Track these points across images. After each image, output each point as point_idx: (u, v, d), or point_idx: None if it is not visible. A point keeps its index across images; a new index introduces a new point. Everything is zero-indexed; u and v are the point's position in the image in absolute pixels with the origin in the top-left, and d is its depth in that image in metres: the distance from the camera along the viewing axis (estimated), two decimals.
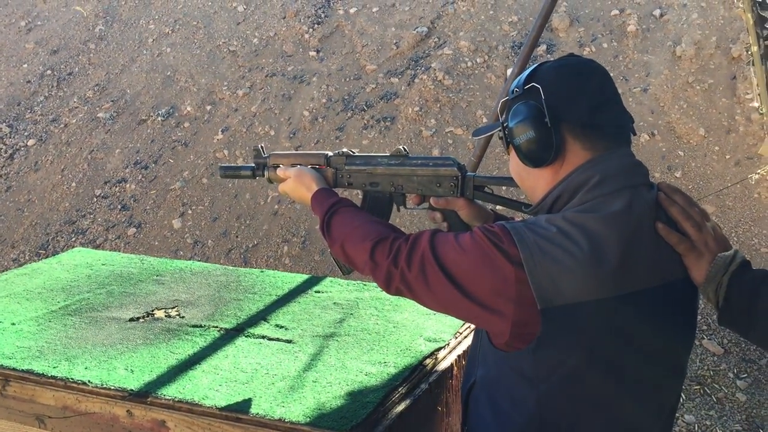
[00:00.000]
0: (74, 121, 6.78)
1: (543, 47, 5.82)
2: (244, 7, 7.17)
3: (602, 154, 1.25)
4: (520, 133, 1.28)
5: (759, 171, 4.75)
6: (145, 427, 1.57)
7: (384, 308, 2.06)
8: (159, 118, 6.48)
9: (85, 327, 1.95)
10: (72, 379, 1.65)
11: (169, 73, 6.84)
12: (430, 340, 1.83)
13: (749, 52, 4.37)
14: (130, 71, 7.03)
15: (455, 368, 1.77)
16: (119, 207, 5.96)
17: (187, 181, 5.95)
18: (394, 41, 6.30)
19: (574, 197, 1.25)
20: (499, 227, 1.22)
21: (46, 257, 4.58)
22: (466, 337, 1.89)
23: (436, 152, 5.41)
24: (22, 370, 1.70)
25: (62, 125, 6.78)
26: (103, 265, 2.49)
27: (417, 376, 1.66)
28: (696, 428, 3.53)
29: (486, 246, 1.20)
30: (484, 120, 5.35)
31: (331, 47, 6.51)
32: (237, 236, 5.48)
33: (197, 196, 5.83)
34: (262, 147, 1.82)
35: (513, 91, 1.33)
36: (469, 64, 5.94)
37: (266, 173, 1.80)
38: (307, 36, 6.65)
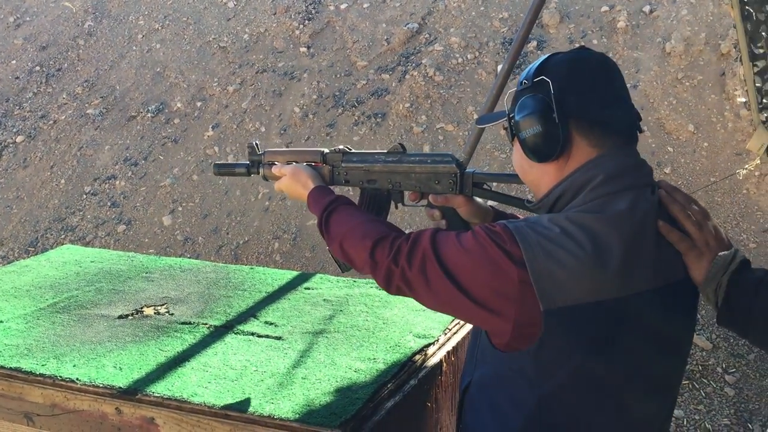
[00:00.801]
0: (63, 117, 6.74)
1: (533, 43, 5.83)
2: (234, 3, 7.15)
3: (607, 152, 1.24)
4: (527, 126, 1.26)
5: (747, 166, 4.78)
6: (134, 425, 1.57)
7: (373, 305, 2.06)
8: (149, 115, 6.46)
9: (74, 324, 1.95)
10: (60, 376, 1.64)
11: (158, 69, 6.81)
12: (420, 337, 1.84)
13: (737, 49, 4.39)
14: (119, 67, 7.00)
15: (444, 364, 1.77)
16: (109, 204, 5.94)
17: (177, 177, 5.93)
18: (385, 37, 6.30)
19: (578, 196, 1.24)
20: (501, 227, 1.21)
21: (35, 254, 4.56)
22: (455, 333, 1.89)
23: (426, 149, 5.41)
24: (10, 368, 1.69)
25: (51, 122, 6.75)
26: (91, 262, 2.48)
27: (406, 372, 1.67)
28: (685, 423, 3.55)
29: (488, 246, 1.19)
30: (475, 116, 5.35)
31: (321, 43, 6.49)
32: (227, 233, 5.46)
33: (187, 193, 5.81)
34: (256, 144, 1.80)
35: (522, 82, 1.30)
36: (460, 60, 5.94)
37: (261, 170, 1.77)
38: (297, 32, 6.63)
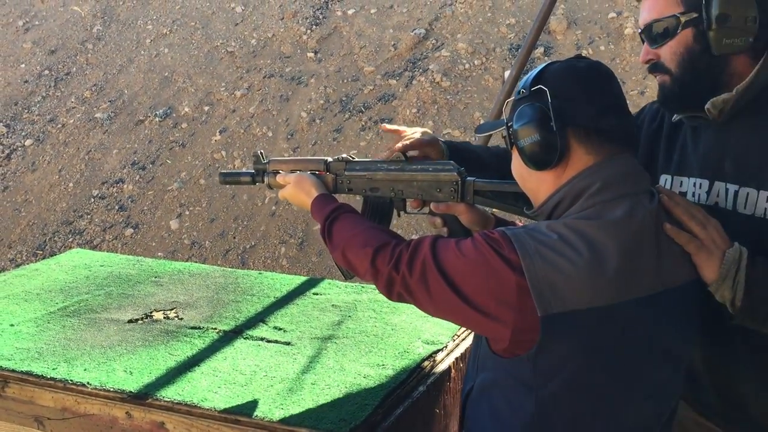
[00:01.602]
0: (72, 121, 6.78)
1: (540, 50, 5.84)
2: (242, 8, 7.18)
3: (605, 160, 1.25)
4: (525, 135, 1.27)
5: None
6: (144, 429, 1.57)
7: (382, 311, 2.07)
8: (156, 119, 6.49)
9: (84, 328, 1.96)
10: (71, 380, 1.65)
11: (166, 73, 6.84)
12: (428, 343, 1.84)
13: None
14: (127, 72, 7.03)
15: (453, 371, 1.77)
16: (116, 207, 5.96)
17: (184, 182, 5.95)
18: (392, 43, 6.31)
19: (576, 203, 1.25)
20: (499, 233, 1.22)
21: (43, 258, 4.58)
22: (464, 339, 1.90)
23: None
24: (21, 371, 1.70)
25: (60, 125, 6.78)
26: (101, 266, 2.50)
27: (415, 378, 1.67)
28: None
29: (487, 253, 1.20)
30: (482, 122, 5.36)
31: (329, 48, 6.52)
32: (234, 237, 5.48)
33: (195, 197, 5.83)
34: (261, 153, 1.82)
35: (519, 91, 1.32)
36: (467, 66, 5.95)
37: (266, 179, 1.80)
38: (305, 37, 6.65)
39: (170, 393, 1.59)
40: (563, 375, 1.20)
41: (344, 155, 1.71)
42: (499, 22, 6.20)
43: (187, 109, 6.46)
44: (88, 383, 1.64)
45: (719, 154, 1.38)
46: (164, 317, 2.04)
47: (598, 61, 1.33)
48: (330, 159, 1.72)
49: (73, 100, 6.98)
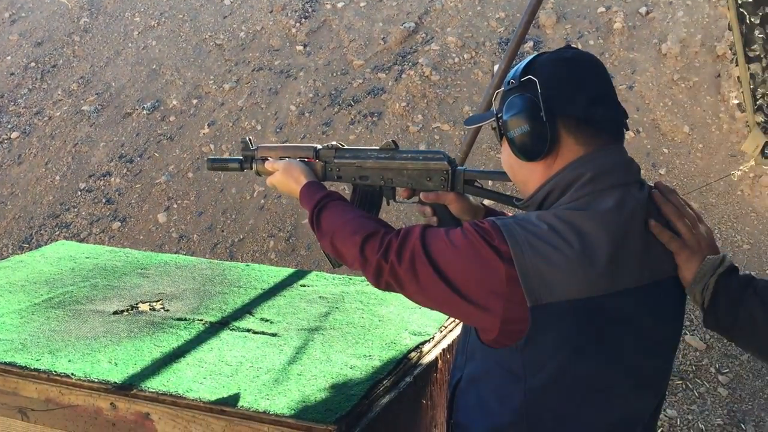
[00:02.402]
0: (58, 114, 6.72)
1: (530, 44, 5.84)
2: (231, 0, 7.14)
3: (595, 151, 1.25)
4: (515, 126, 1.27)
5: (742, 168, 4.80)
6: (128, 420, 1.56)
7: (369, 302, 2.06)
8: (144, 112, 6.44)
9: (69, 320, 1.94)
10: (55, 371, 1.64)
11: (154, 66, 6.79)
12: (415, 334, 1.84)
13: (733, 50, 4.40)
14: (115, 64, 6.98)
15: (440, 362, 1.77)
16: (104, 201, 5.92)
17: (172, 175, 5.92)
18: (382, 36, 6.30)
19: (566, 193, 1.24)
20: (489, 223, 1.21)
21: (30, 251, 4.55)
22: (450, 330, 1.90)
23: (422, 148, 5.41)
24: (5, 362, 1.69)
25: (46, 118, 6.72)
26: (87, 258, 2.48)
27: (402, 369, 1.67)
28: (678, 422, 3.56)
29: (477, 242, 1.19)
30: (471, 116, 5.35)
31: (318, 42, 6.49)
32: (223, 230, 5.46)
33: (183, 190, 5.80)
34: (250, 139, 1.81)
35: (509, 82, 1.31)
36: (456, 60, 5.94)
37: (254, 166, 1.78)
38: (294, 30, 6.62)
39: (155, 384, 1.58)
40: (552, 365, 1.20)
41: (334, 143, 1.70)
42: (488, 15, 6.19)
43: (175, 102, 6.42)
44: (72, 374, 1.63)
45: None
46: (150, 309, 2.03)
47: (586, 51, 1.33)
48: (319, 146, 1.71)
49: (59, 92, 6.92)
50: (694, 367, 3.86)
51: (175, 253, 5.27)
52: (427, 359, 1.74)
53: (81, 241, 5.57)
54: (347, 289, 2.17)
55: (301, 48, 6.48)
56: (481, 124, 1.45)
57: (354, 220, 1.42)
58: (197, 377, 1.61)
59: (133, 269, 2.35)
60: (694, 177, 4.92)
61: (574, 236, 1.17)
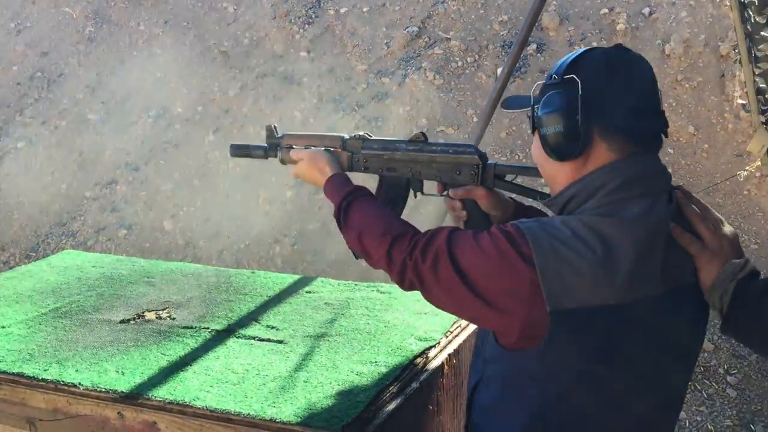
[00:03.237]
0: (64, 123, 6.75)
1: (533, 46, 5.84)
2: (235, 7, 7.16)
3: (626, 158, 1.22)
4: (549, 124, 1.24)
5: (748, 168, 4.78)
6: (136, 429, 1.57)
7: (375, 308, 2.06)
8: (149, 120, 6.47)
9: (76, 329, 1.95)
10: (63, 381, 1.65)
11: (159, 74, 6.81)
12: (421, 339, 1.84)
13: (737, 50, 4.39)
14: (120, 73, 7.01)
15: (446, 367, 1.77)
16: (110, 209, 5.94)
17: (178, 182, 5.94)
18: (385, 41, 6.31)
19: (592, 198, 1.22)
20: (512, 227, 1.20)
21: (37, 260, 4.56)
22: (456, 336, 1.90)
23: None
24: (13, 373, 1.70)
25: (52, 127, 6.75)
26: (93, 267, 2.49)
27: (408, 375, 1.67)
28: (687, 424, 3.55)
29: (504, 246, 1.18)
30: (475, 119, 5.35)
31: (321, 48, 6.50)
32: (228, 237, 5.47)
33: (188, 197, 5.81)
34: (275, 126, 1.76)
35: (551, 76, 1.28)
36: (460, 63, 5.95)
37: (279, 154, 1.73)
38: (297, 36, 6.64)
39: (162, 393, 1.58)
40: (571, 371, 1.19)
41: (362, 133, 1.66)
42: (491, 19, 6.19)
43: (180, 110, 6.44)
44: (79, 384, 1.63)
45: None
46: (156, 317, 2.03)
47: (640, 55, 1.28)
48: (347, 136, 1.67)
49: (65, 102, 6.95)
50: (702, 368, 3.85)
51: (182, 259, 5.29)
52: (434, 365, 1.74)
53: (87, 249, 5.58)
54: (353, 296, 2.17)
55: (304, 54, 6.49)
56: (517, 111, 1.40)
57: (383, 220, 1.40)
58: (204, 385, 1.61)
59: (139, 278, 2.36)
60: (699, 177, 4.90)
61: (598, 243, 1.16)
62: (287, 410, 1.50)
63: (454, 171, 1.55)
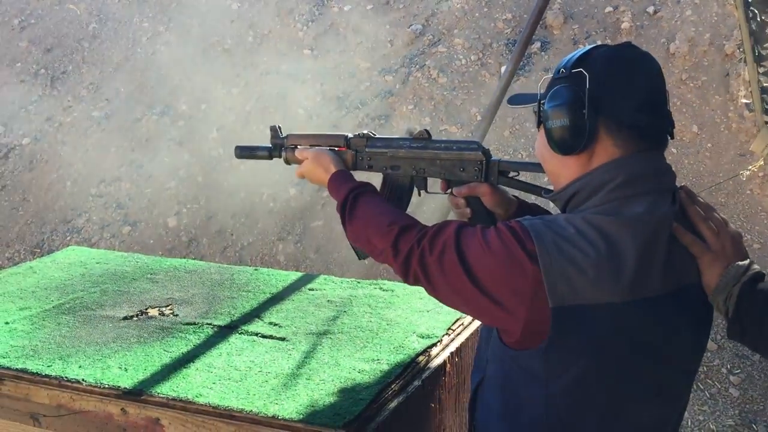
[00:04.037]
0: (69, 119, 6.77)
1: (537, 44, 5.83)
2: (238, 5, 7.16)
3: (632, 155, 1.22)
4: (555, 117, 1.23)
5: (751, 167, 4.77)
6: (139, 425, 1.57)
7: (377, 306, 2.07)
8: (153, 117, 6.48)
9: (79, 326, 1.96)
10: (66, 377, 1.65)
11: (163, 71, 6.83)
12: (423, 337, 1.84)
13: (742, 49, 4.38)
14: (124, 69, 7.02)
15: (448, 365, 1.78)
16: (114, 206, 5.96)
17: (182, 179, 5.95)
18: (389, 39, 6.31)
19: (595, 195, 1.22)
20: (517, 224, 1.20)
21: (41, 256, 4.58)
22: (459, 334, 1.90)
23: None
24: (17, 369, 1.70)
25: (57, 124, 6.77)
26: (97, 263, 2.50)
27: (410, 372, 1.67)
28: (689, 423, 3.55)
29: (510, 243, 1.18)
30: (478, 118, 5.35)
31: (325, 45, 6.51)
32: (232, 234, 5.48)
33: (192, 195, 5.82)
34: (279, 127, 1.77)
35: (559, 70, 1.28)
36: (464, 61, 5.94)
37: (283, 154, 1.74)
38: (301, 34, 6.64)
39: (165, 389, 1.59)
40: (574, 370, 1.19)
41: (365, 131, 1.67)
42: (495, 17, 6.19)
43: (184, 107, 6.45)
44: (83, 380, 1.64)
45: None
46: (159, 314, 2.04)
47: (647, 52, 1.28)
48: (350, 135, 1.67)
49: (69, 98, 6.97)
50: (705, 368, 3.85)
51: (185, 256, 5.30)
52: (436, 362, 1.74)
53: (92, 245, 5.60)
54: (355, 293, 2.17)
55: (308, 52, 6.50)
56: (524, 106, 1.40)
57: (391, 212, 1.41)
58: (207, 382, 1.62)
59: (143, 274, 2.37)
60: (703, 176, 4.90)
61: (601, 240, 1.16)
62: (289, 407, 1.50)
63: (458, 168, 1.55)
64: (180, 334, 1.89)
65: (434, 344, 1.81)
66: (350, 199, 1.48)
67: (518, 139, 5.43)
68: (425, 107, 5.74)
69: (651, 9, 5.80)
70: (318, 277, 2.33)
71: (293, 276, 2.34)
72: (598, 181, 1.22)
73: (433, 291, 1.31)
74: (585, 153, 1.24)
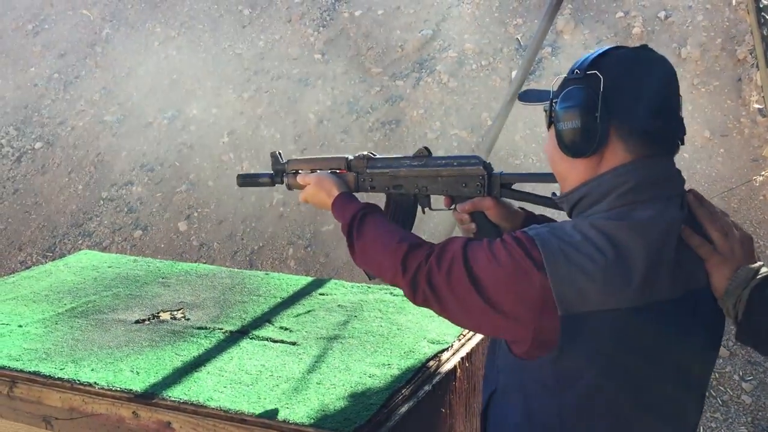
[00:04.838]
0: (81, 124, 6.82)
1: (548, 50, 5.83)
2: (250, 10, 7.20)
3: (641, 160, 1.20)
4: (566, 119, 1.22)
5: (764, 173, 4.74)
6: (150, 428, 1.58)
7: (388, 310, 2.07)
8: (165, 121, 6.51)
9: (92, 329, 1.97)
10: (78, 380, 1.66)
11: (175, 76, 6.86)
12: (434, 342, 1.84)
13: (754, 54, 4.36)
14: (136, 74, 7.06)
15: (459, 370, 1.77)
16: (126, 209, 5.99)
17: (193, 183, 5.97)
18: (399, 44, 6.32)
19: (603, 200, 1.21)
20: (522, 234, 1.20)
21: (53, 259, 4.61)
22: (469, 339, 1.90)
23: (441, 155, 5.41)
24: (29, 371, 1.72)
25: (69, 128, 6.82)
26: (109, 267, 2.51)
27: (420, 378, 1.67)
28: (701, 430, 3.52)
29: (516, 253, 1.18)
30: (489, 123, 5.35)
31: (336, 50, 6.52)
32: (242, 239, 5.49)
33: (203, 199, 5.85)
34: (279, 153, 1.77)
35: (574, 71, 1.26)
36: (474, 66, 5.94)
37: (285, 180, 1.75)
38: (312, 39, 6.67)
39: (177, 393, 1.60)
40: (585, 379, 1.18)
41: (365, 152, 1.67)
42: (506, 22, 6.19)
43: (195, 111, 6.48)
44: (95, 383, 1.65)
45: None
46: (171, 318, 2.05)
47: (663, 57, 1.26)
48: (351, 157, 1.67)
49: (82, 103, 7.02)
50: (717, 375, 3.82)
51: (196, 260, 5.32)
52: (446, 368, 1.74)
53: (103, 249, 5.63)
54: (366, 298, 2.17)
55: (319, 56, 6.52)
56: (535, 104, 1.38)
57: (398, 231, 1.41)
58: (218, 386, 1.62)
59: (155, 278, 2.38)
60: (715, 182, 4.87)
61: (609, 247, 1.15)
62: (300, 412, 1.50)
63: (460, 183, 1.55)
64: (191, 338, 1.90)
65: (445, 349, 1.81)
66: (356, 220, 1.47)
67: (529, 144, 5.42)
68: (435, 112, 5.74)
69: (662, 14, 5.79)
70: (328, 281, 2.34)
71: (304, 281, 2.35)
72: (606, 186, 1.21)
73: (442, 310, 1.30)
74: (595, 156, 1.22)
